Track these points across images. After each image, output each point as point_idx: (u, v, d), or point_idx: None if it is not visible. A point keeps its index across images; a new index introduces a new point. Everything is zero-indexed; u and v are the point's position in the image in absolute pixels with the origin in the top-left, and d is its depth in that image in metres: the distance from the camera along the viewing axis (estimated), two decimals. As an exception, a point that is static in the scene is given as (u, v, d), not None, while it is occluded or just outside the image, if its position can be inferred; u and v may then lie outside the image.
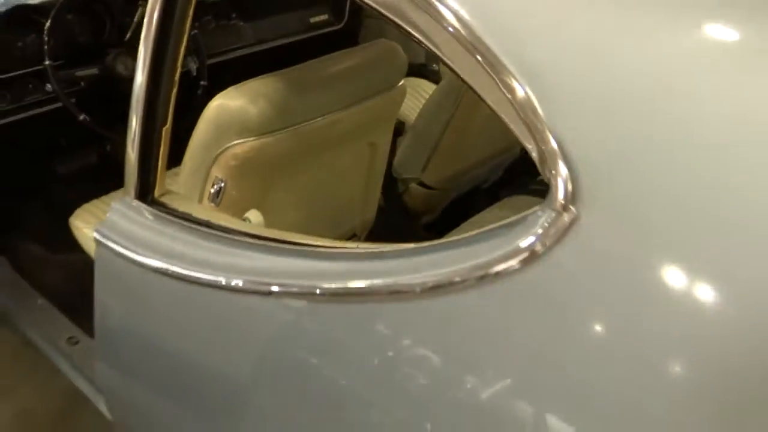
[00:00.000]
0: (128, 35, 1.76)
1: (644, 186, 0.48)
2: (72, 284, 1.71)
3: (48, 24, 1.59)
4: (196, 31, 1.78)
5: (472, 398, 0.55)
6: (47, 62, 1.55)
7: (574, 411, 0.51)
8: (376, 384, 0.58)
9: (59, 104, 1.77)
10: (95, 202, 1.55)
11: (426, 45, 0.60)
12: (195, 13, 0.81)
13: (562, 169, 0.49)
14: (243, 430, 0.78)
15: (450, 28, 0.56)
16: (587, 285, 0.49)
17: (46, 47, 1.54)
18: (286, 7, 2.14)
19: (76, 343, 1.55)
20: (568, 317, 0.49)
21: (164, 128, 0.80)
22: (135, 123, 0.80)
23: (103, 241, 0.79)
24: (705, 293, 0.46)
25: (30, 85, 1.72)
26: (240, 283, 0.65)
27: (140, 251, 0.76)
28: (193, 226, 0.75)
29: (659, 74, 0.51)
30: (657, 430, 0.47)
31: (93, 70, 1.66)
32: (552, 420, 0.51)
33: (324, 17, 2.22)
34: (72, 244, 1.55)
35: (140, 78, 0.79)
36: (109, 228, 0.80)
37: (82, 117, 1.61)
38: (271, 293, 0.63)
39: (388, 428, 0.58)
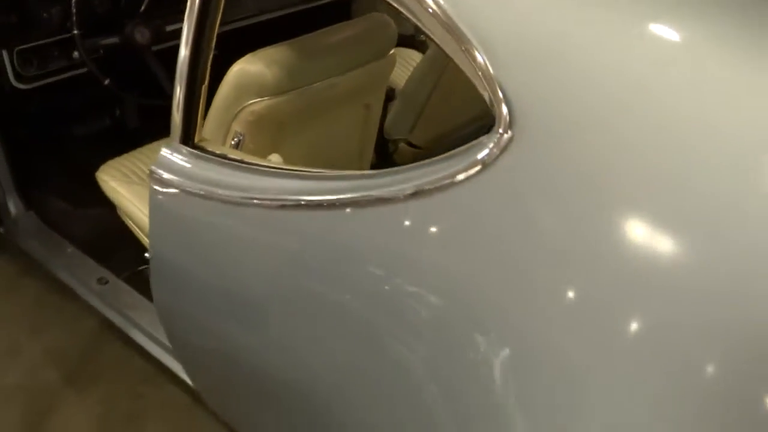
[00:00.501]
0: (143, 7, 1.93)
1: (562, 118, 0.70)
2: (98, 232, 1.90)
3: (75, 2, 1.76)
4: None
5: (445, 283, 0.77)
6: (76, 31, 1.73)
7: (517, 291, 0.72)
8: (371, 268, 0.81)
9: (79, 71, 1.95)
10: (118, 159, 1.74)
11: (412, 20, 0.81)
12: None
13: (504, 108, 0.72)
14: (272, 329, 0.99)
15: (429, 9, 0.77)
16: (522, 184, 0.71)
17: (74, 18, 1.72)
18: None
19: (106, 282, 1.75)
20: (512, 210, 0.71)
21: (203, 86, 1.00)
22: (179, 87, 1.00)
23: (157, 175, 0.99)
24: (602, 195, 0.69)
25: (55, 53, 1.90)
26: (267, 198, 0.87)
27: (187, 182, 0.97)
28: (229, 162, 0.96)
29: (576, 35, 0.73)
30: (587, 306, 0.68)
31: (114, 39, 1.84)
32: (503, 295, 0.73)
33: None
34: (94, 198, 1.73)
35: (184, 51, 0.98)
36: (160, 165, 1.01)
37: (107, 81, 1.79)
38: (289, 206, 0.86)
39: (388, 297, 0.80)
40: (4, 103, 1.88)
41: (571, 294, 0.69)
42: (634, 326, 0.66)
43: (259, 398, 1.17)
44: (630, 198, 0.67)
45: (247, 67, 1.16)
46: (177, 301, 1.15)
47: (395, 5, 0.84)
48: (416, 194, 0.74)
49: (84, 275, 1.79)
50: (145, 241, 1.57)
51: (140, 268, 1.67)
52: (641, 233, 0.68)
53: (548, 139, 0.70)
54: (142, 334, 1.61)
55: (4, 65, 1.82)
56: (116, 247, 1.80)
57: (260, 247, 0.94)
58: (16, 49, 1.82)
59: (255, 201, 0.89)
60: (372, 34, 1.40)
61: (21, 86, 1.88)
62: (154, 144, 1.69)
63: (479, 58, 0.74)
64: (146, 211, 1.16)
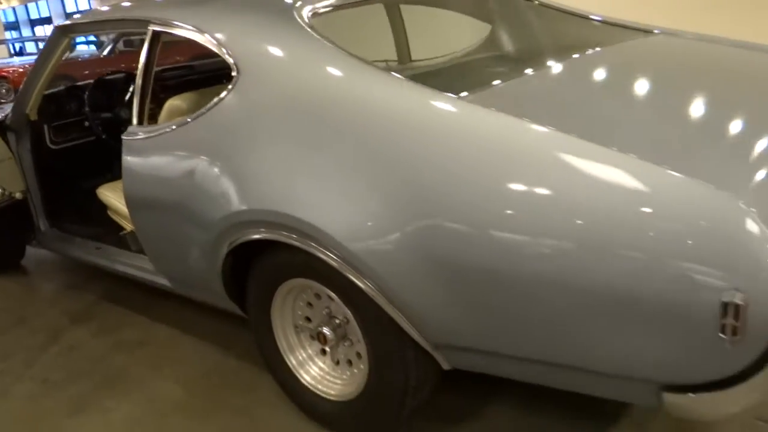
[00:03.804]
0: (126, 98, 3.31)
1: (261, 70, 1.95)
2: (92, 228, 3.11)
3: (87, 94, 3.14)
4: None
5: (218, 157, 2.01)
6: (87, 109, 3.08)
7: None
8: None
9: (88, 139, 3.28)
10: (109, 183, 2.99)
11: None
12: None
13: (230, 59, 1.90)
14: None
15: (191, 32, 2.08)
16: (244, 98, 1.93)
17: (87, 104, 3.08)
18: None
19: (99, 248, 2.94)
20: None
21: (147, 101, 2.30)
22: (136, 106, 2.30)
23: (128, 138, 2.26)
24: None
25: (74, 127, 3.25)
26: (167, 130, 2.17)
27: (141, 135, 2.23)
28: (165, 130, 2.23)
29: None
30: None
31: (108, 114, 3.20)
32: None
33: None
34: (89, 215, 2.99)
35: (136, 107, 2.31)
36: (128, 134, 2.27)
37: (104, 136, 3.12)
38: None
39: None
40: (43, 158, 3.17)
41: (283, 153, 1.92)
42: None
43: (206, 274, 2.23)
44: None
45: (174, 102, 2.46)
46: (146, 218, 2.34)
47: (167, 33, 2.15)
48: (200, 115, 2.00)
49: (87, 248, 2.97)
50: (123, 223, 2.79)
51: (121, 233, 2.87)
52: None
53: (255, 79, 1.95)
54: (125, 268, 2.75)
55: (45, 134, 3.15)
56: (104, 232, 3.01)
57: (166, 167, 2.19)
58: (52, 124, 3.17)
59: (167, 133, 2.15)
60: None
61: (53, 147, 3.20)
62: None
63: (212, 41, 2.02)
64: (123, 202, 2.38)
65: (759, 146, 1.36)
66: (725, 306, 1.11)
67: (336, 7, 2.10)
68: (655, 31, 2.47)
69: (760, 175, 1.25)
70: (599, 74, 1.88)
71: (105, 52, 11.30)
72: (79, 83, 3.31)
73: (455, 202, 1.41)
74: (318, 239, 1.63)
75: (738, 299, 1.10)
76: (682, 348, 1.19)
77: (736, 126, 1.45)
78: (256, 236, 1.80)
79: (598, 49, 2.13)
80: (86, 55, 11.77)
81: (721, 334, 1.13)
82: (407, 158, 1.51)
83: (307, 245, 1.67)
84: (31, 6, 24.50)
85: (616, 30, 2.45)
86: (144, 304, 3.02)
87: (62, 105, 3.21)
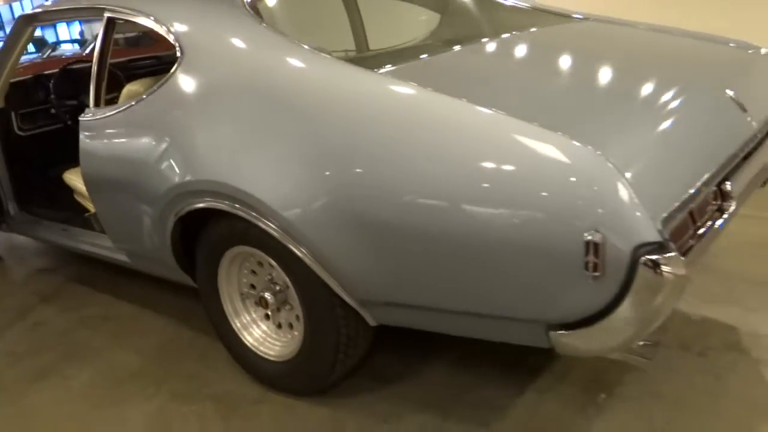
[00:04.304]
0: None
1: (202, 53, 2.08)
2: (59, 212, 3.22)
3: (52, 82, 3.25)
4: None
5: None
6: (52, 96, 3.20)
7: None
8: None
9: (56, 126, 3.39)
10: (72, 170, 3.10)
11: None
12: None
13: (174, 41, 2.04)
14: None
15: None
16: (187, 76, 2.06)
17: (52, 93, 3.20)
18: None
19: (65, 230, 3.05)
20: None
21: (103, 84, 2.42)
22: (92, 89, 2.42)
23: (84, 119, 2.38)
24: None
25: (41, 114, 3.36)
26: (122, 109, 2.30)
27: (97, 117, 2.35)
28: (118, 110, 2.35)
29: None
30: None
31: (74, 102, 3.31)
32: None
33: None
34: (57, 198, 3.11)
35: (92, 91, 2.43)
36: (84, 115, 2.39)
37: (70, 122, 3.24)
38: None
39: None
40: (12, 144, 3.28)
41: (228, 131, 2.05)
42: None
43: (158, 247, 2.34)
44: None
45: (132, 87, 2.58)
46: (102, 196, 2.46)
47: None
48: (148, 95, 2.12)
49: (54, 230, 3.09)
50: (88, 205, 2.91)
51: (85, 215, 2.98)
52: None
53: (195, 58, 2.07)
54: (89, 247, 2.87)
55: (12, 121, 3.26)
56: (71, 215, 3.13)
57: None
58: (20, 112, 3.28)
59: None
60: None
61: (21, 134, 3.31)
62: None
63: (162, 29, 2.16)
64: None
65: (634, 115, 1.50)
66: (587, 245, 1.25)
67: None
68: (578, 17, 2.63)
69: (624, 135, 1.40)
70: (510, 52, 2.02)
71: (87, 50, 11.36)
72: (46, 72, 3.43)
73: (366, 165, 1.55)
74: (256, 207, 1.76)
75: (597, 238, 1.23)
76: (556, 287, 1.33)
77: (618, 98, 1.60)
78: (200, 205, 1.93)
79: (516, 32, 2.28)
80: (69, 53, 11.82)
81: (585, 271, 1.27)
82: (329, 129, 1.64)
83: (247, 213, 1.80)
84: (16, 5, 24.47)
85: (546, 16, 2.60)
86: (110, 282, 3.14)
87: (29, 93, 3.32)
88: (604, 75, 1.80)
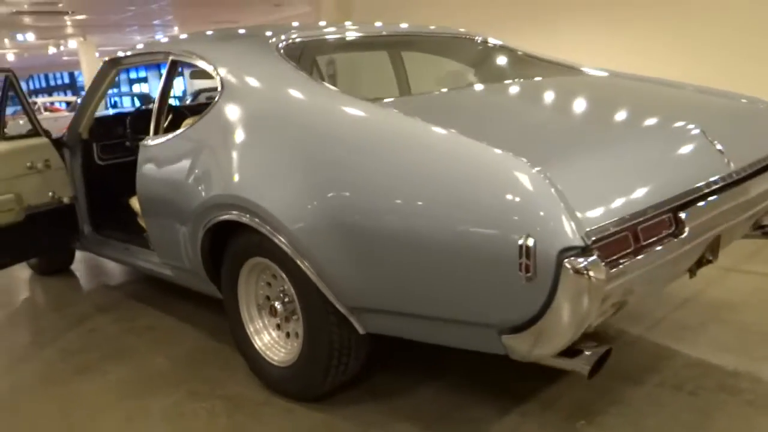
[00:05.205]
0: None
1: (238, 91, 2.38)
2: (126, 233, 3.60)
3: (129, 119, 3.71)
4: None
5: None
6: (128, 131, 3.64)
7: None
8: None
9: (130, 158, 3.82)
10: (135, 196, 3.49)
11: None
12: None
13: (218, 77, 2.37)
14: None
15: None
16: (226, 108, 2.36)
17: (128, 128, 3.64)
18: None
19: (127, 249, 3.41)
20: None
21: (162, 116, 2.79)
22: (153, 120, 2.80)
23: (142, 144, 2.74)
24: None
25: (118, 147, 3.81)
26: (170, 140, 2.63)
27: (152, 143, 2.71)
28: (168, 137, 2.69)
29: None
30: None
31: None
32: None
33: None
34: (126, 225, 3.50)
35: (153, 122, 2.81)
36: (143, 141, 2.76)
37: None
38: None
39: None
40: (92, 172, 3.73)
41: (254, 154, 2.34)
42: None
43: (192, 259, 2.65)
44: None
45: (190, 120, 2.93)
46: (151, 213, 2.79)
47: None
48: (193, 124, 2.45)
49: (118, 248, 3.45)
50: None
51: (144, 234, 3.34)
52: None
53: (232, 93, 2.36)
54: (143, 263, 3.18)
55: (94, 151, 3.73)
56: (135, 236, 3.49)
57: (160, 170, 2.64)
58: (100, 143, 3.74)
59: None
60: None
61: (101, 163, 3.76)
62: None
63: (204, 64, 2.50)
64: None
65: (596, 143, 1.65)
66: (521, 248, 1.38)
67: (305, 40, 2.55)
68: (590, 71, 2.79)
69: (575, 157, 1.54)
70: (503, 93, 2.21)
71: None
72: (124, 111, 3.90)
73: (354, 182, 1.76)
74: (269, 221, 2.00)
75: (529, 242, 1.37)
76: (497, 288, 1.46)
77: (587, 128, 1.75)
78: (225, 217, 2.19)
79: (519, 79, 2.47)
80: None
81: (520, 272, 1.40)
82: (329, 155, 1.88)
83: (261, 226, 2.04)
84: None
85: (555, 67, 2.78)
86: (160, 300, 3.46)
87: (110, 128, 3.79)
88: (585, 113, 1.95)
